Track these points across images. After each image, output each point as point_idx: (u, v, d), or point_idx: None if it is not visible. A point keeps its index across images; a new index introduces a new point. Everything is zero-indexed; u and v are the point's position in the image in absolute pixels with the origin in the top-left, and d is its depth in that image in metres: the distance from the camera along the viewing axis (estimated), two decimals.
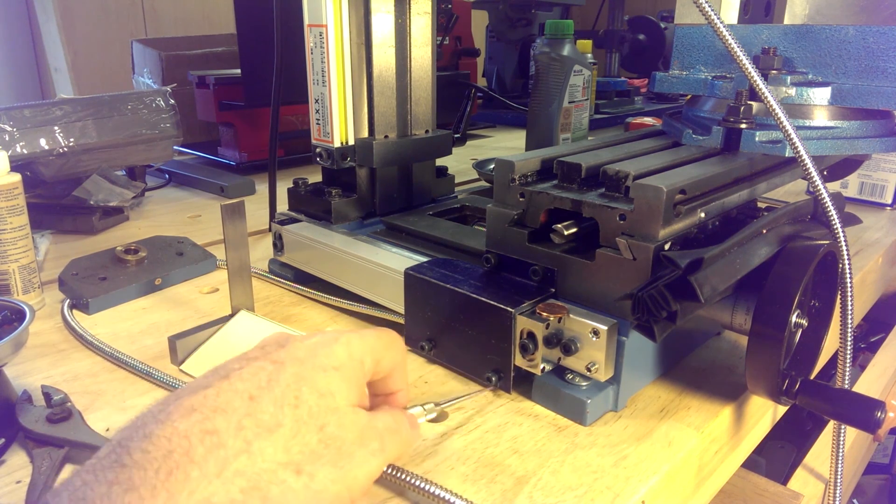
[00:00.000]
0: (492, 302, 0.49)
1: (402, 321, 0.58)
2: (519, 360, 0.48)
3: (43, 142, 0.87)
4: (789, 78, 0.56)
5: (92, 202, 0.90)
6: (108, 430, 0.47)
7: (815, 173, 0.47)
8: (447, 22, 1.51)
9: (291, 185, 0.75)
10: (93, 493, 0.24)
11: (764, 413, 0.58)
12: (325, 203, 0.70)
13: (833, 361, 0.55)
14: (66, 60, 1.65)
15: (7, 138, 0.84)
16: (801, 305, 0.45)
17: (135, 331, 0.62)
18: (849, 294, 0.50)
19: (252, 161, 1.23)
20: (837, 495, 0.59)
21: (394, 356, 0.36)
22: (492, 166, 0.85)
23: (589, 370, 0.46)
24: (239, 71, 1.18)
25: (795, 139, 0.46)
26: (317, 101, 0.68)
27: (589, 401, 0.47)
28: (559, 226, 0.48)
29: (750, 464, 0.68)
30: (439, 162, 0.79)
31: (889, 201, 1.00)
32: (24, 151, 0.85)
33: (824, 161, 0.69)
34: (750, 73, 0.47)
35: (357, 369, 0.33)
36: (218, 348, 0.56)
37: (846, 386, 0.53)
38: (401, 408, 0.38)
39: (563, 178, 0.52)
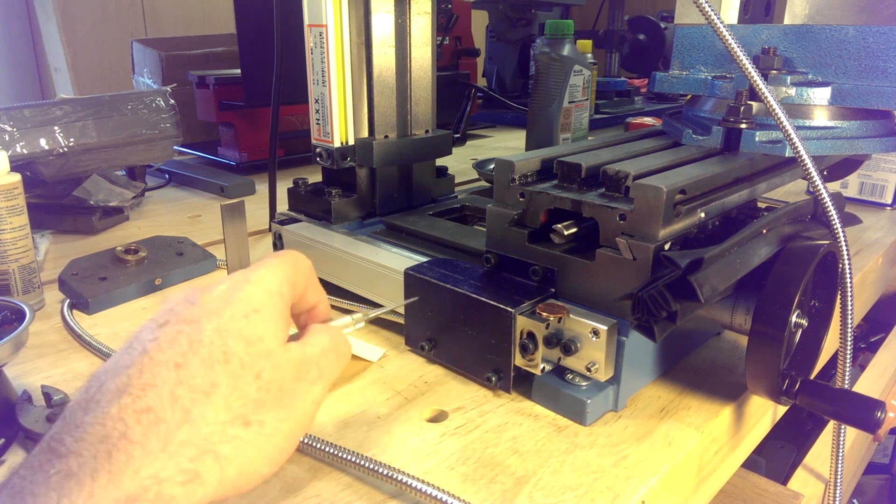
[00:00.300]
0: (492, 302, 0.49)
1: (402, 321, 0.58)
2: (519, 360, 0.48)
3: (43, 142, 0.87)
4: (789, 78, 0.56)
5: (92, 202, 0.90)
6: None
7: (815, 173, 0.47)
8: (447, 22, 1.51)
9: (291, 185, 0.75)
10: (31, 486, 0.24)
11: (764, 413, 0.58)
12: (325, 203, 0.70)
13: (833, 361, 0.55)
14: (66, 60, 1.65)
15: (7, 138, 0.84)
16: (801, 305, 0.45)
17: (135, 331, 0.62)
18: (849, 294, 0.50)
19: (252, 161, 1.23)
20: (837, 495, 0.59)
21: (304, 272, 0.35)
22: (492, 166, 0.85)
23: (589, 370, 0.46)
24: (239, 71, 1.18)
25: (795, 139, 0.46)
26: (317, 101, 0.68)
27: (589, 401, 0.47)
28: (559, 226, 0.48)
29: (750, 464, 0.67)
30: (439, 162, 0.79)
31: (889, 201, 1.00)
32: (24, 151, 0.85)
33: (824, 161, 0.69)
34: (750, 73, 0.47)
35: (278, 303, 0.32)
36: None
37: (846, 386, 0.53)
38: (326, 319, 0.37)
39: (563, 178, 0.52)
